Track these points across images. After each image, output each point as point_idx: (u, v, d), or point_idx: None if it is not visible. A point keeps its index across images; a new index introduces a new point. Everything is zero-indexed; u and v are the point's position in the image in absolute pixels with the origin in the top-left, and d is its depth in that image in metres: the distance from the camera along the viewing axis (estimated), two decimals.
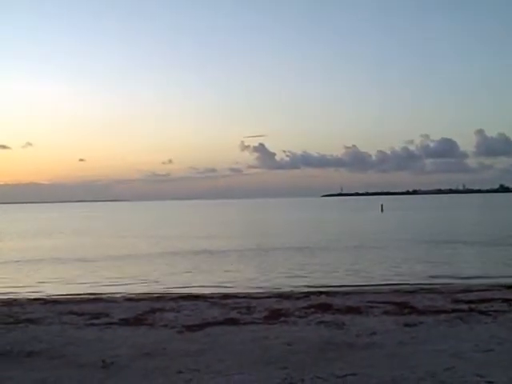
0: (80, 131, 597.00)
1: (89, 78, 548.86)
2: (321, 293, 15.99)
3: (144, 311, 13.02)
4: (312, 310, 12.59)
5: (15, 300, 16.90)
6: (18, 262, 30.20)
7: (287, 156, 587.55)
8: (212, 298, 15.57)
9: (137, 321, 11.84)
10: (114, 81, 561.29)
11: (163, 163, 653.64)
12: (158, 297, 16.51)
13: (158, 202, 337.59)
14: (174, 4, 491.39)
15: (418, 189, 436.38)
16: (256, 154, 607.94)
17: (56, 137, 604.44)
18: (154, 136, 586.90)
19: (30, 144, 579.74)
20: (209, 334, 10.20)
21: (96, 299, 16.26)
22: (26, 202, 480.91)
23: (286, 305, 13.60)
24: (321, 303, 13.53)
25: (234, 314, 12.26)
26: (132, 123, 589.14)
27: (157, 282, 21.82)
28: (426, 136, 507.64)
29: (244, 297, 15.68)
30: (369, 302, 13.74)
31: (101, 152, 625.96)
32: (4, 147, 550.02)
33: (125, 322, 11.67)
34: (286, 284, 20.24)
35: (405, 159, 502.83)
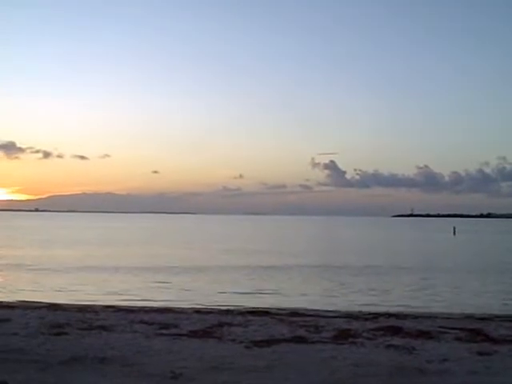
0: (154, 144, 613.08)
1: (165, 93, 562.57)
2: (390, 315, 15.70)
3: (212, 324, 13.14)
4: (381, 332, 12.37)
5: (89, 306, 17.43)
6: (92, 268, 31.17)
7: (358, 174, 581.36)
8: (280, 314, 15.56)
9: (205, 333, 11.96)
10: (189, 95, 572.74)
11: (234, 178, 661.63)
12: (226, 310, 16.63)
13: (228, 216, 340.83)
14: (250, 22, 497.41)
15: (492, 212, 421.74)
16: (326, 172, 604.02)
17: (132, 149, 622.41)
18: (225, 151, 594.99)
19: (107, 155, 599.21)
20: (276, 351, 10.17)
21: (166, 310, 16.54)
22: (102, 212, 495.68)
23: (354, 325, 13.42)
24: (390, 326, 13.27)
25: (302, 332, 12.19)
26: (205, 138, 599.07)
27: (223, 295, 21.96)
28: (503, 158, 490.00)
29: (312, 315, 15.59)
30: (440, 326, 13.37)
31: (174, 165, 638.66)
32: (83, 158, 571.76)
33: (193, 334, 11.80)
34: (354, 304, 19.97)
35: (479, 181, 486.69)
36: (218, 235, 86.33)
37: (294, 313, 16.09)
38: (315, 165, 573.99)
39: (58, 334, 11.53)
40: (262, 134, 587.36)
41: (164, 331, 12.08)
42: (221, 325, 13.07)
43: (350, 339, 11.44)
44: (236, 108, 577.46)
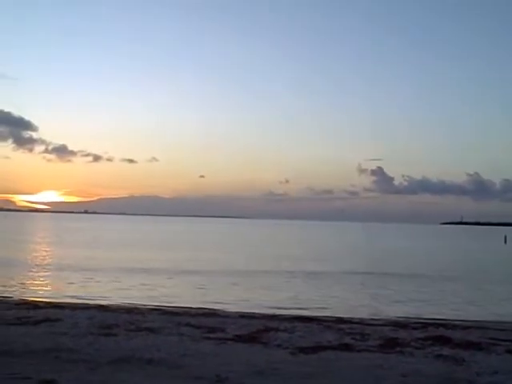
0: (201, 148, 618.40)
1: (213, 96, 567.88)
2: (439, 324, 15.40)
3: (258, 329, 13.14)
4: (429, 341, 12.14)
5: (136, 308, 17.70)
6: (139, 270, 31.62)
7: (405, 181, 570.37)
8: (326, 321, 15.44)
9: (251, 338, 11.97)
10: (236, 99, 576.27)
11: (280, 182, 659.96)
12: (271, 316, 16.61)
13: (273, 221, 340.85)
14: (301, 20, 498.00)
15: None
16: (373, 178, 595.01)
17: (179, 153, 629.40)
18: (272, 155, 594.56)
19: (155, 159, 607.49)
20: (322, 358, 10.11)
21: (211, 313, 16.65)
22: (149, 214, 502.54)
23: (401, 334, 13.22)
24: (439, 335, 13.01)
25: (348, 340, 12.08)
26: (251, 142, 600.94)
27: (268, 300, 21.93)
28: None
29: (358, 322, 15.43)
30: (491, 338, 13.04)
31: (220, 169, 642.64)
32: (131, 161, 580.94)
33: (239, 339, 11.83)
34: (402, 312, 19.67)
35: None
36: (263, 240, 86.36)
37: (340, 320, 15.96)
38: (362, 171, 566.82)
39: (107, 335, 11.73)
40: (309, 138, 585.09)
41: (210, 335, 12.15)
42: (266, 330, 13.06)
43: (398, 348, 11.28)
44: (283, 112, 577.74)
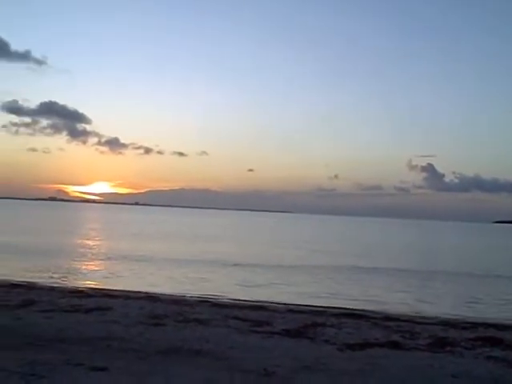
0: (250, 142, 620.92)
1: (262, 92, 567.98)
2: (489, 325, 15.07)
3: (305, 324, 13.13)
4: (480, 342, 11.87)
5: (185, 299, 17.93)
6: (188, 262, 31.99)
7: (457, 178, 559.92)
8: (374, 318, 15.32)
9: (298, 333, 11.96)
10: (285, 95, 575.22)
11: (329, 178, 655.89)
12: (319, 311, 16.56)
13: (322, 216, 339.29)
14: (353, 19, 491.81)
15: None
16: (424, 174, 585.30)
17: (228, 147, 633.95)
18: (321, 151, 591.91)
19: (205, 152, 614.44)
20: (370, 356, 10.03)
21: (259, 307, 16.70)
22: (199, 207, 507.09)
23: (451, 334, 12.99)
24: (490, 336, 12.71)
25: (396, 338, 11.94)
26: (301, 137, 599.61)
27: (317, 295, 21.86)
28: None
29: (407, 320, 15.23)
30: None
31: (269, 163, 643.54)
32: (182, 154, 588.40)
33: (286, 333, 11.84)
34: (451, 311, 19.31)
35: None
36: (311, 235, 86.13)
37: (389, 317, 15.79)
38: (412, 167, 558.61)
39: (156, 325, 11.94)
40: (360, 134, 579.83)
41: (257, 328, 12.21)
42: (314, 325, 13.04)
43: (447, 348, 11.08)
44: (333, 108, 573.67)
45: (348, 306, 18.74)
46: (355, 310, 17.61)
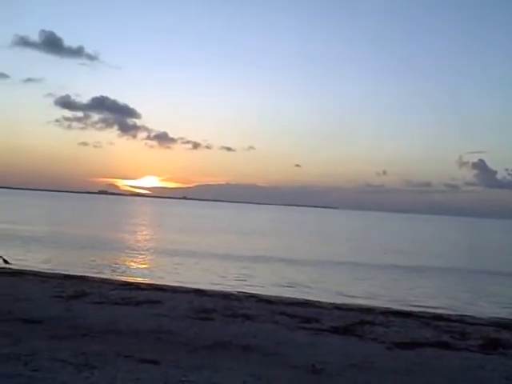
0: (297, 138, 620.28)
1: (310, 87, 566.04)
2: None
3: (353, 322, 13.04)
4: None
5: (232, 294, 18.03)
6: (235, 257, 32.17)
7: (510, 174, 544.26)
8: (423, 317, 15.09)
9: (346, 330, 11.90)
10: (333, 90, 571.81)
11: (377, 174, 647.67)
12: (367, 309, 16.42)
13: (369, 213, 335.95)
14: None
15: None
16: (474, 171, 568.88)
17: (275, 142, 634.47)
18: (369, 146, 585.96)
19: (252, 147, 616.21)
20: (419, 355, 9.89)
21: (306, 303, 16.67)
22: (245, 202, 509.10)
23: (504, 335, 12.69)
24: None
25: (446, 338, 11.74)
26: (348, 132, 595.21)
27: (363, 293, 21.65)
28: None
29: (457, 321, 14.96)
30: None
31: (316, 159, 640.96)
32: (229, 149, 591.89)
33: (334, 330, 11.79)
34: (504, 312, 18.84)
35: None
36: (360, 232, 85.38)
37: (438, 317, 15.53)
38: (463, 163, 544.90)
39: (204, 319, 12.05)
40: (408, 129, 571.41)
41: (306, 325, 12.18)
42: (362, 323, 12.94)
43: (500, 349, 10.84)
44: (381, 102, 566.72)
45: (395, 305, 18.54)
46: (403, 308, 17.39)
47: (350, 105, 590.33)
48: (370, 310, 15.94)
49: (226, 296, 16.97)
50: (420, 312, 16.55)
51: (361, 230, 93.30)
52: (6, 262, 21.83)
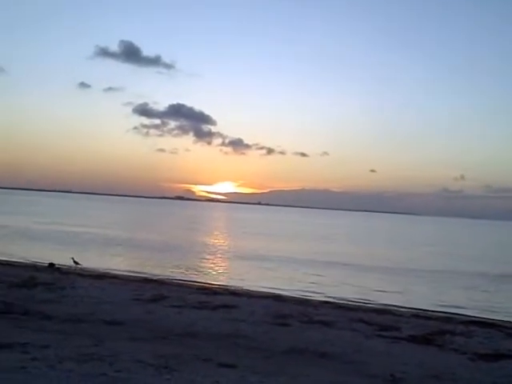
0: (372, 143, 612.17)
1: (383, 91, 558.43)
2: None
3: (433, 331, 12.70)
4: None
5: (308, 300, 17.96)
6: (313, 262, 32.04)
7: None
8: (507, 327, 14.49)
9: (425, 340, 11.60)
10: (404, 92, 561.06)
11: (455, 179, 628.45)
12: (446, 318, 15.97)
13: (447, 219, 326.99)
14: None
15: None
16: None
17: (350, 147, 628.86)
18: (446, 150, 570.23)
19: (326, 153, 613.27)
20: (504, 368, 9.50)
21: (384, 311, 16.38)
22: (319, 208, 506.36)
23: None
24: None
25: None
26: (424, 136, 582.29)
27: (442, 301, 21.07)
28: None
29: None
30: None
31: (392, 164, 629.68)
32: (303, 155, 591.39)
33: (413, 339, 11.52)
34: None
35: None
36: (436, 238, 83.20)
37: None
38: None
39: (281, 325, 12.05)
40: (487, 133, 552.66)
41: (383, 333, 11.97)
42: (442, 332, 12.59)
43: None
44: (458, 107, 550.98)
45: (475, 314, 17.95)
46: (486, 318, 16.79)
47: (426, 107, 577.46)
48: (449, 319, 15.49)
49: (301, 301, 16.93)
50: (504, 322, 15.95)
51: (437, 236, 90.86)
52: (76, 263, 22.60)
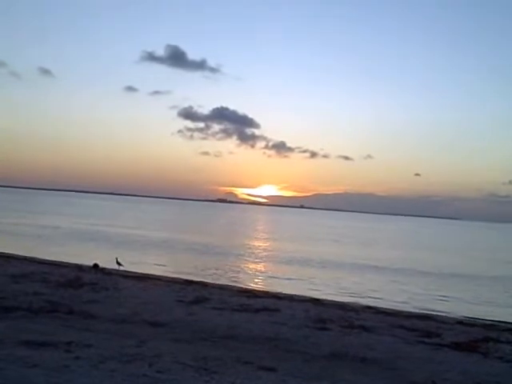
0: (417, 146, 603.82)
1: (429, 95, 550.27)
2: None
3: (476, 338, 12.48)
4: None
5: (349, 305, 17.86)
6: (352, 266, 31.84)
7: None
8: None
9: (469, 347, 11.40)
10: (451, 97, 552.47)
11: (503, 184, 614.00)
12: (491, 325, 15.68)
13: (495, 224, 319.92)
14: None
15: None
16: None
17: (394, 151, 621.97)
18: (494, 154, 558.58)
19: (370, 156, 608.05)
20: None
21: (426, 317, 16.17)
22: (363, 212, 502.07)
23: None
24: None
25: None
26: (471, 139, 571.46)
27: (487, 308, 20.72)
28: None
29: None
30: None
31: (437, 167, 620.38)
32: (347, 158, 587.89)
33: (456, 346, 11.34)
34: None
35: None
36: (483, 243, 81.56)
37: None
38: None
39: (322, 329, 12.02)
40: None
41: (425, 339, 11.82)
42: (486, 340, 12.35)
43: None
44: (505, 109, 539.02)
45: None
46: None
47: (473, 110, 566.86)
48: (493, 326, 15.23)
49: (342, 306, 16.85)
50: None
51: (483, 241, 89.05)
52: (119, 264, 22.94)
